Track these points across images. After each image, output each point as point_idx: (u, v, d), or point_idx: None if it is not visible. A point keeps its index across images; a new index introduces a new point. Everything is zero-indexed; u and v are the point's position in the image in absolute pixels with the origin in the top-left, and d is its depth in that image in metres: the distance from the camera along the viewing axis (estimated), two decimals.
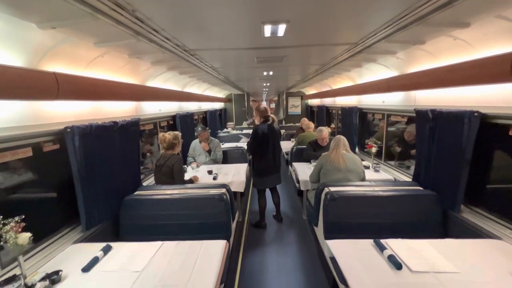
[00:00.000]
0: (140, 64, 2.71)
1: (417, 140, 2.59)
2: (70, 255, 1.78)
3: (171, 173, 2.86)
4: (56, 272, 1.51)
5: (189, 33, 1.84)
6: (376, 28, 1.79)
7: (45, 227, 1.93)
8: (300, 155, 4.21)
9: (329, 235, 2.23)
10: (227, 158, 4.44)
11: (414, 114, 2.57)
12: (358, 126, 4.67)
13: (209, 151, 4.22)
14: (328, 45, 2.33)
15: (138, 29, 1.53)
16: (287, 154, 5.30)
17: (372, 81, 3.60)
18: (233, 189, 3.08)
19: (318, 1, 1.33)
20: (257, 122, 3.38)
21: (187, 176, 3.22)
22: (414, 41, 2.12)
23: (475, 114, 1.91)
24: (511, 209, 1.91)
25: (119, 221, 2.35)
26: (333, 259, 1.68)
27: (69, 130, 1.90)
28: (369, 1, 1.37)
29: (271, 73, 4.34)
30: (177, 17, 1.48)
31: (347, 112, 4.86)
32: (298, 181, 3.50)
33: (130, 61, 2.44)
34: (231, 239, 2.52)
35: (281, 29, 1.67)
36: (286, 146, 5.67)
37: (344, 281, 1.48)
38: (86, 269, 1.59)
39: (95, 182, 2.10)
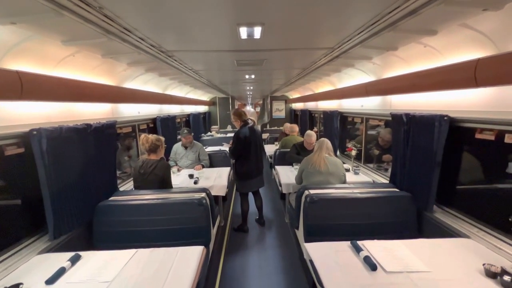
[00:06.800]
0: (116, 65, 2.62)
1: (393, 143, 2.67)
2: (34, 266, 1.65)
3: (160, 182, 2.64)
4: (16, 286, 1.40)
5: (164, 33, 1.80)
6: (351, 33, 1.84)
7: (5, 236, 1.79)
8: (283, 159, 4.22)
9: (309, 238, 2.24)
10: (211, 161, 4.38)
11: (390, 118, 2.66)
12: (339, 129, 4.78)
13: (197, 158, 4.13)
14: (306, 49, 2.37)
15: (109, 27, 1.47)
16: (271, 157, 5.31)
17: (351, 86, 3.69)
18: (214, 193, 3.03)
19: (292, 5, 1.34)
20: (237, 126, 3.34)
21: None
22: (387, 47, 2.20)
23: (445, 118, 2.00)
24: (478, 208, 2.00)
25: (93, 228, 2.24)
26: (312, 261, 1.68)
27: (35, 132, 1.79)
28: (342, 7, 1.40)
29: (253, 76, 4.35)
30: (150, 16, 1.44)
31: (329, 116, 4.95)
32: (280, 184, 3.50)
33: (104, 61, 2.35)
34: (211, 244, 2.47)
35: (257, 31, 1.67)
36: (270, 149, 5.67)
37: (322, 283, 1.48)
38: (50, 281, 1.48)
39: (64, 188, 1.99)
